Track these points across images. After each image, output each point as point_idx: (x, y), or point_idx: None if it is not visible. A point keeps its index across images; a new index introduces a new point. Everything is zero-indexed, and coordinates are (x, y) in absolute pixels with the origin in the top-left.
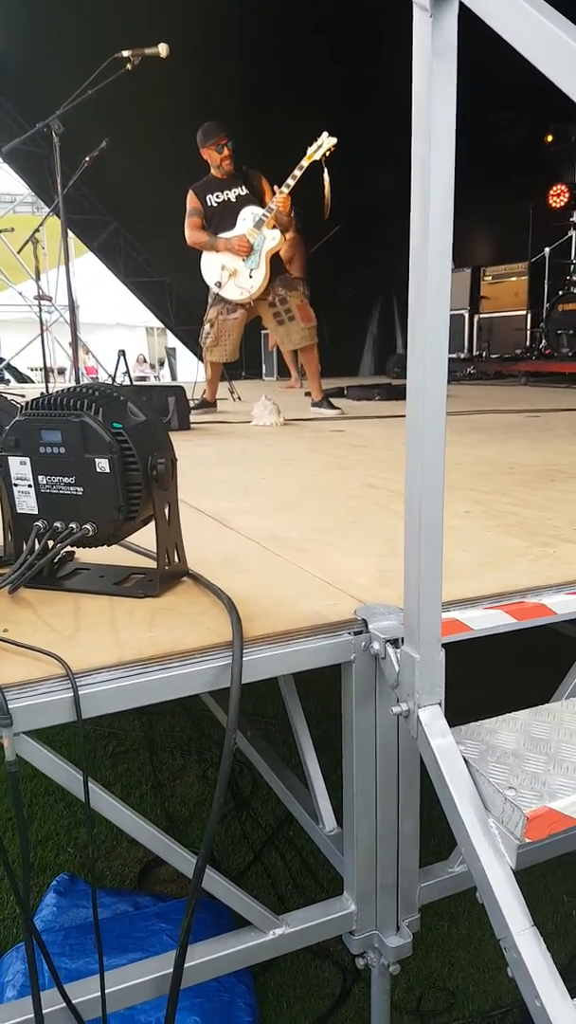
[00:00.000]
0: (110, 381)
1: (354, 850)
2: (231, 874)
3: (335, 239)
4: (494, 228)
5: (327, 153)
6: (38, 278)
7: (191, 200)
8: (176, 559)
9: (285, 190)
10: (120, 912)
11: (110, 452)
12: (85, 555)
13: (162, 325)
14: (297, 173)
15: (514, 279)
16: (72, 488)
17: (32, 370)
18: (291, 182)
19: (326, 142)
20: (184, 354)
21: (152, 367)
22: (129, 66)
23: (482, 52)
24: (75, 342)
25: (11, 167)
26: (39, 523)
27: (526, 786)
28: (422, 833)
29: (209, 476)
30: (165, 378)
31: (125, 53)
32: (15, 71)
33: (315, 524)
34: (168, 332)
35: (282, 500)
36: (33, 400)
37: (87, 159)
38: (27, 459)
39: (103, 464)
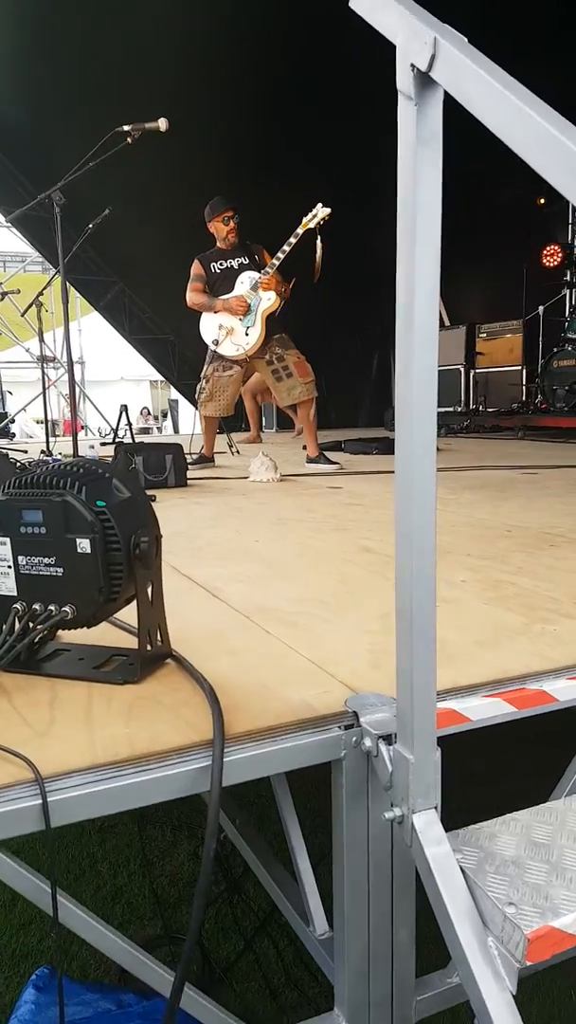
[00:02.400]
0: (110, 435)
1: (345, 962)
2: (221, 964)
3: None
4: (488, 286)
5: (321, 222)
6: (42, 338)
7: (196, 267)
8: (159, 640)
9: (281, 255)
10: (102, 1011)
11: (92, 532)
12: (67, 632)
13: (164, 379)
14: (292, 240)
15: (509, 335)
16: (52, 569)
17: (37, 423)
18: (286, 248)
19: (320, 212)
20: (186, 407)
21: (155, 419)
22: (130, 140)
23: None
24: (73, 403)
25: (19, 230)
26: (18, 605)
27: (527, 901)
28: (418, 938)
29: (201, 538)
30: (167, 429)
31: (126, 127)
32: (24, 139)
33: (307, 594)
34: (171, 386)
35: (274, 566)
36: (16, 479)
37: (90, 225)
38: (7, 539)
39: (84, 544)
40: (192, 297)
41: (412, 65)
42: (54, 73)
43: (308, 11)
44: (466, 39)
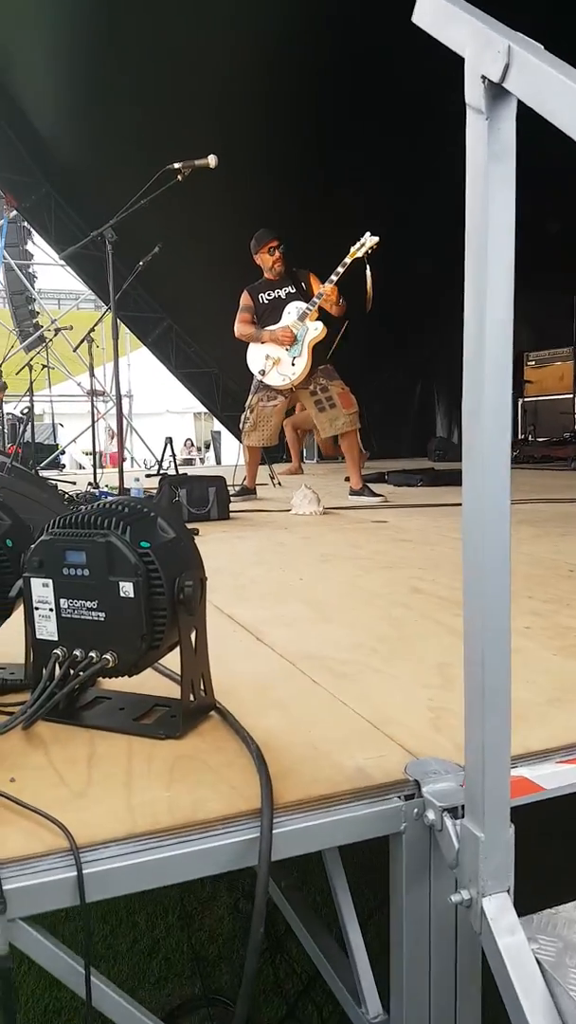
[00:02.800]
0: (155, 466)
1: None
2: None
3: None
4: (536, 313)
5: (369, 251)
6: (92, 373)
7: (244, 299)
8: (202, 691)
9: (330, 284)
10: None
11: (135, 575)
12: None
13: (208, 411)
14: (340, 270)
15: (559, 363)
16: (94, 613)
17: (85, 454)
18: (334, 278)
19: (369, 240)
20: (228, 438)
21: (199, 450)
22: (180, 177)
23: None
24: (120, 436)
25: (72, 268)
26: (58, 651)
27: None
28: None
29: (245, 576)
30: (210, 460)
31: (176, 165)
32: (79, 180)
33: (356, 640)
34: (214, 417)
35: (320, 607)
36: (61, 517)
37: (141, 263)
38: (50, 581)
39: (127, 588)
40: (240, 328)
41: (483, 77)
42: (106, 116)
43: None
44: (542, 46)
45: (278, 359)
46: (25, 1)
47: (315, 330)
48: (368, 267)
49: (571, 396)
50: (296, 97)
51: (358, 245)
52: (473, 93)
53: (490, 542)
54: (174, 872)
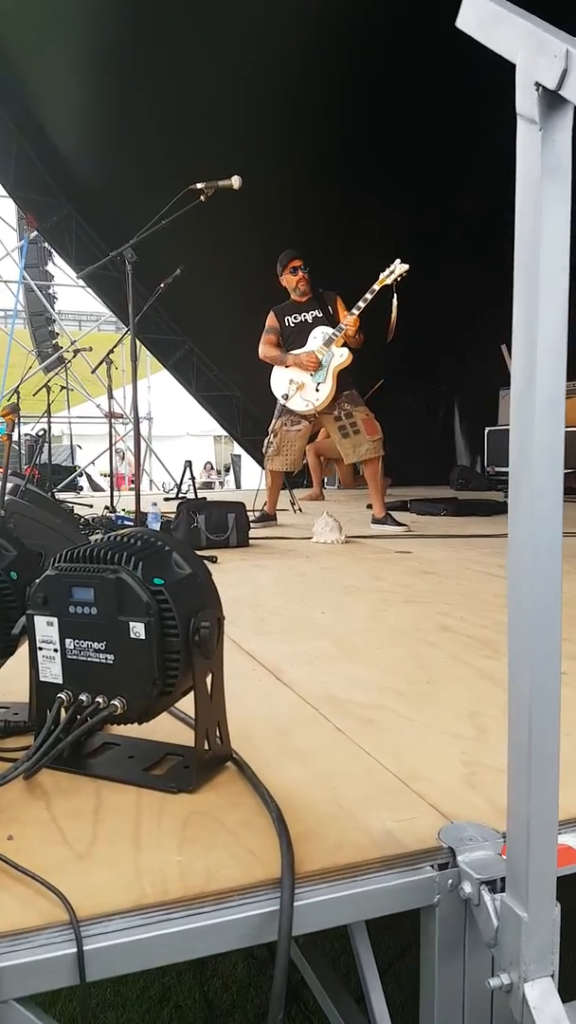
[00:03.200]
0: (174, 490)
1: None
2: None
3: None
4: None
5: (399, 279)
6: (111, 395)
7: (271, 320)
8: (218, 738)
9: (356, 312)
10: None
11: (147, 615)
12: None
13: (228, 435)
14: (368, 296)
15: None
16: (102, 655)
17: (103, 476)
18: (362, 304)
19: (398, 268)
20: (248, 462)
21: (219, 473)
22: (203, 197)
23: None
24: (138, 460)
25: (92, 289)
26: (63, 695)
27: None
28: None
29: (264, 608)
30: (229, 484)
31: (199, 185)
32: (100, 200)
33: (382, 682)
34: (234, 441)
35: (343, 644)
36: (68, 551)
37: (162, 285)
38: (55, 619)
39: (138, 629)
40: (265, 350)
41: (537, 84)
42: (128, 138)
43: (375, 62)
44: None
45: (302, 384)
46: (47, 22)
47: (340, 357)
48: (395, 295)
49: None
50: (320, 117)
51: (387, 272)
52: (525, 102)
53: (540, 590)
54: (184, 949)
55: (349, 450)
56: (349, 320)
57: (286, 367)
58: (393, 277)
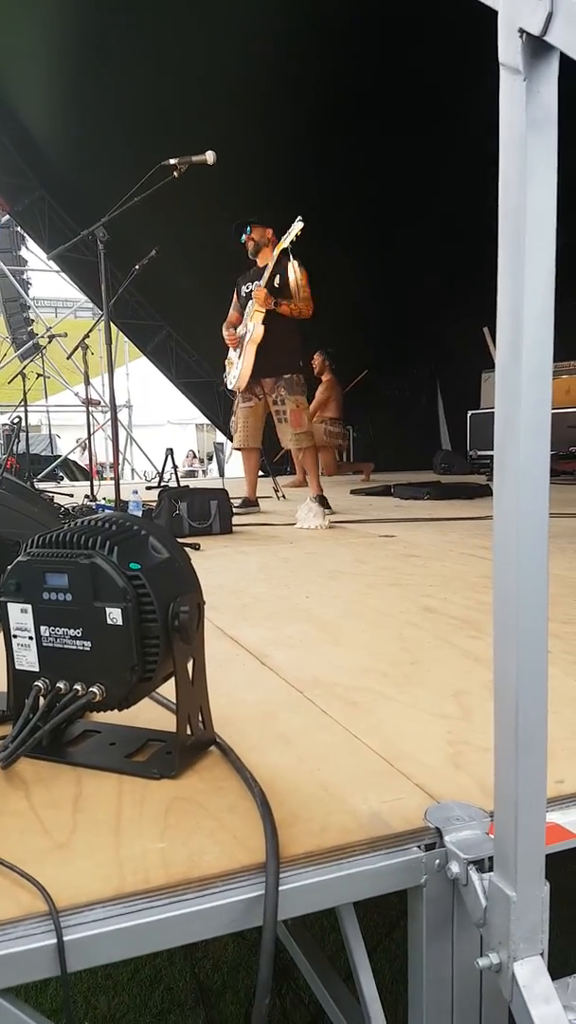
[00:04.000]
0: (156, 478)
1: None
2: None
3: (379, 333)
4: None
5: (294, 239)
6: (87, 382)
7: (235, 293)
8: (200, 724)
9: (260, 283)
10: None
11: (124, 600)
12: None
13: (210, 422)
14: (271, 264)
15: (566, 376)
16: (78, 642)
17: (85, 466)
18: (266, 275)
19: (295, 227)
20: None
21: (201, 461)
22: (176, 173)
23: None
24: (116, 447)
25: (65, 273)
26: (39, 683)
27: None
28: None
29: (248, 593)
30: (212, 472)
31: (172, 161)
32: (72, 183)
33: (366, 664)
34: (216, 429)
35: (327, 627)
36: (40, 536)
37: (136, 266)
38: (29, 606)
39: (115, 614)
40: (224, 331)
41: (521, 30)
42: (100, 120)
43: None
44: None
45: (231, 361)
46: (17, 4)
47: (251, 330)
48: (292, 259)
49: None
50: (294, 99)
51: (286, 235)
52: (508, 51)
53: (525, 567)
54: (167, 937)
55: (281, 435)
56: (254, 291)
57: (230, 345)
58: (290, 238)
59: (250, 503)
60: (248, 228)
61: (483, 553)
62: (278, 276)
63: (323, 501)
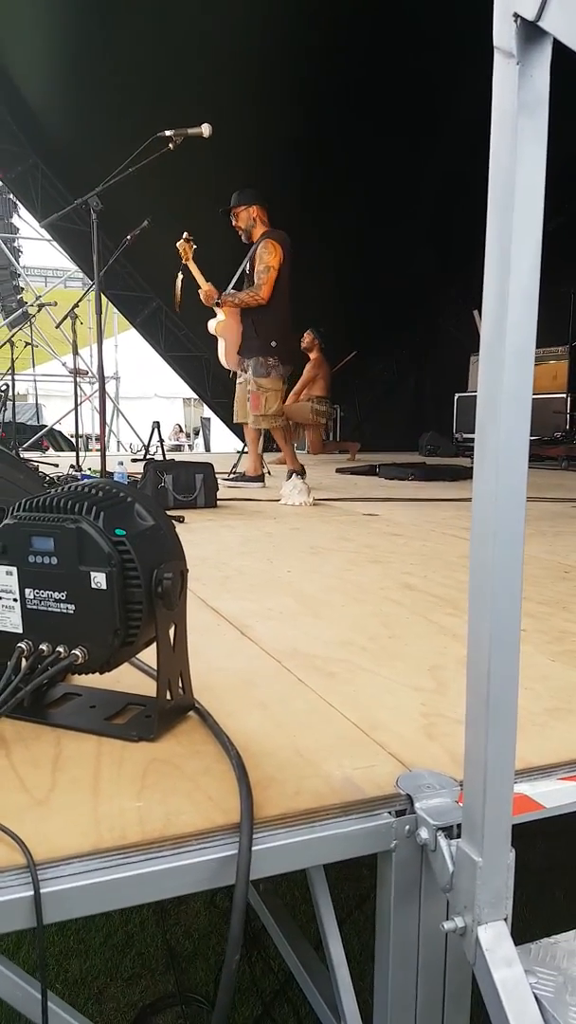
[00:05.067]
0: (142, 451)
1: None
2: None
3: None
4: None
5: (186, 250)
6: (75, 352)
7: None
8: (180, 689)
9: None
10: None
11: (109, 564)
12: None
13: (198, 396)
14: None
15: (553, 362)
16: (63, 605)
17: (71, 436)
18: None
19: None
20: (218, 424)
21: (188, 436)
22: (171, 145)
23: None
24: (103, 418)
25: (57, 243)
26: (23, 644)
27: None
28: None
29: (230, 566)
30: (199, 447)
31: (167, 132)
32: (67, 151)
33: (345, 636)
34: (204, 404)
35: (308, 601)
36: (27, 500)
37: (128, 237)
38: (14, 568)
39: (99, 579)
40: None
41: (515, 15)
42: (97, 88)
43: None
44: None
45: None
46: None
47: (215, 319)
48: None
49: (564, 395)
50: (291, 73)
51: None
52: (503, 34)
53: (503, 544)
54: (142, 892)
55: (245, 414)
56: (200, 291)
57: None
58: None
59: (249, 478)
60: (231, 216)
61: (465, 534)
62: (247, 263)
63: (299, 474)
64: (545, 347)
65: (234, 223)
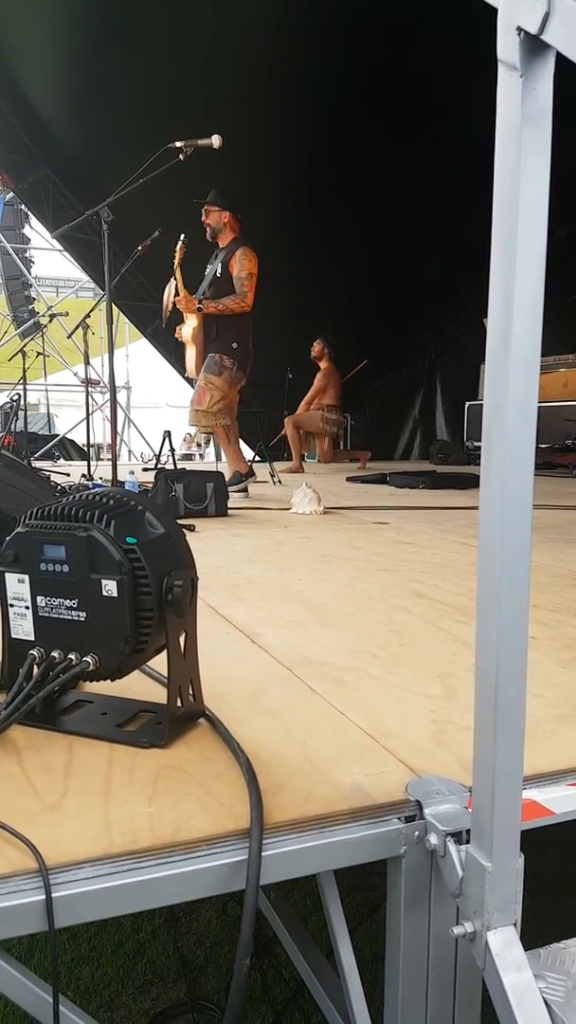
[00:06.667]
0: (153, 460)
1: None
2: None
3: (378, 324)
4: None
5: (180, 255)
6: (87, 361)
7: None
8: (190, 696)
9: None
10: None
11: (119, 572)
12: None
13: None
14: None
15: (563, 370)
16: (74, 613)
17: (83, 446)
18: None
19: (178, 245)
20: None
21: (198, 445)
22: (182, 156)
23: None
24: (114, 428)
25: (69, 253)
26: (35, 652)
27: None
28: None
29: (241, 575)
30: (209, 455)
31: (178, 143)
32: (77, 162)
33: (355, 645)
34: None
35: (319, 610)
36: (39, 509)
37: (139, 248)
38: (26, 576)
39: (110, 586)
40: None
41: (519, 29)
42: (108, 101)
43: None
44: None
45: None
46: None
47: (188, 325)
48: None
49: (575, 403)
50: (300, 86)
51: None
52: (506, 48)
53: (509, 550)
54: (153, 896)
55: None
56: (176, 300)
57: None
58: (177, 258)
59: (240, 476)
60: (203, 212)
61: (475, 542)
62: (220, 268)
63: (245, 477)
64: (556, 355)
65: (204, 219)
